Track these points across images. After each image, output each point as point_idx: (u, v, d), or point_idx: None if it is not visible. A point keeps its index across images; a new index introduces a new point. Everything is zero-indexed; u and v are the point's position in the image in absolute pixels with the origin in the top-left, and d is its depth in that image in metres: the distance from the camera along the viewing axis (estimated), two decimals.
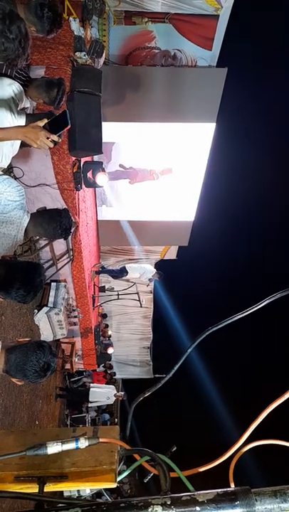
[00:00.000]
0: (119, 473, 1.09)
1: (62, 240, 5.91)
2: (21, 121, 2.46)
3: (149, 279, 9.60)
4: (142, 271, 9.46)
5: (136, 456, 1.11)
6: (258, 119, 12.72)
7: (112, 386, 11.06)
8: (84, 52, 5.01)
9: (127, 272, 9.43)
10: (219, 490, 0.87)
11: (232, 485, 0.98)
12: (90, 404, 10.33)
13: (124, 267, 9.56)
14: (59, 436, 1.09)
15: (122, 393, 11.10)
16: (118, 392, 11.03)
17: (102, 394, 10.29)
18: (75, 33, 5.01)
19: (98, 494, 1.09)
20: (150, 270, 9.53)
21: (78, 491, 1.10)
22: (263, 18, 9.21)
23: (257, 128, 13.20)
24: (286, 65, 11.00)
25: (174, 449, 1.10)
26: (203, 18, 6.68)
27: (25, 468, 1.04)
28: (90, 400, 10.07)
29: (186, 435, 15.59)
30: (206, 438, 13.97)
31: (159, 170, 9.21)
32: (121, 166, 9.01)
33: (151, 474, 1.07)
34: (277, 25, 9.82)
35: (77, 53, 4.95)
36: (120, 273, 9.60)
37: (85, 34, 5.29)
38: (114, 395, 10.46)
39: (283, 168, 13.80)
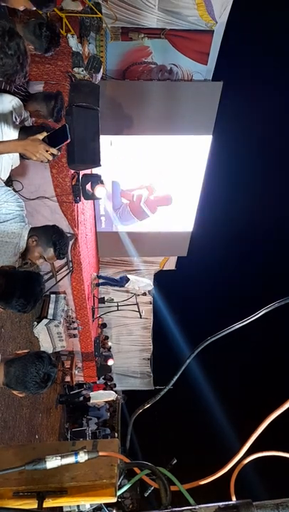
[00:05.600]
0: (120, 488, 1.07)
1: None
2: (14, 134, 2.49)
3: (148, 291, 9.75)
4: (142, 284, 9.60)
5: (136, 469, 1.10)
6: (253, 131, 12.89)
7: (112, 392, 11.09)
8: (82, 68, 5.10)
9: (127, 280, 9.55)
10: (220, 503, 0.86)
11: (233, 498, 0.97)
12: (91, 401, 10.30)
13: (126, 276, 9.71)
14: (58, 451, 1.07)
15: (122, 396, 11.17)
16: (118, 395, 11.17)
17: (103, 395, 10.37)
18: (73, 49, 5.11)
19: None
20: (149, 285, 9.70)
21: (78, 506, 1.08)
22: (258, 31, 9.41)
23: (253, 140, 13.36)
24: (281, 77, 11.20)
25: (175, 461, 1.08)
26: (199, 34, 6.83)
27: (24, 484, 1.03)
28: (91, 401, 10.14)
29: (187, 447, 15.36)
30: (206, 450, 13.76)
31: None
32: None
33: (152, 488, 1.05)
34: (271, 39, 10.02)
35: (75, 69, 5.04)
36: (120, 282, 9.72)
37: (83, 50, 5.39)
38: (115, 398, 10.56)
39: (280, 179, 13.92)
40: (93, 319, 9.36)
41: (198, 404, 16.55)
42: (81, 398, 10.53)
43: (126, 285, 9.70)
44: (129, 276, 9.83)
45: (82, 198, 6.07)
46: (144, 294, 9.74)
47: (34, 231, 2.36)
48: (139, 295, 10.13)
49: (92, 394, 10.47)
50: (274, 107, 11.76)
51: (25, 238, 2.30)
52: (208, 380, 15.97)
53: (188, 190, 9.37)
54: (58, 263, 6.71)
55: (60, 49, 4.84)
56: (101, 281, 10.45)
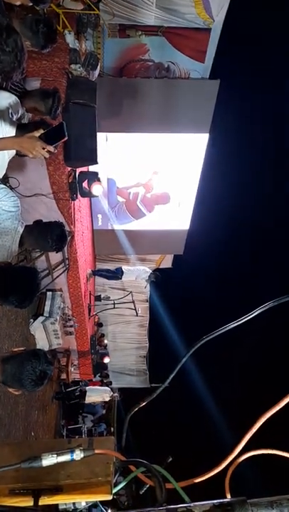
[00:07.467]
0: (115, 485, 1.08)
1: None
2: (11, 131, 2.48)
3: (146, 280, 9.67)
4: (137, 272, 9.53)
5: (132, 467, 1.11)
6: (250, 129, 12.90)
7: (108, 388, 11.12)
8: (79, 65, 5.07)
9: (122, 272, 9.48)
10: (215, 501, 0.87)
11: (228, 496, 0.98)
12: (87, 398, 10.36)
13: (121, 268, 9.65)
14: (54, 448, 1.08)
15: (117, 394, 11.24)
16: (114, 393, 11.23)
17: (98, 391, 10.39)
18: (71, 46, 5.08)
19: None
20: (145, 271, 9.61)
21: (74, 503, 1.09)
22: (255, 29, 9.38)
23: (249, 138, 13.37)
24: (278, 76, 11.20)
25: (170, 459, 1.09)
26: (196, 31, 6.81)
27: (20, 481, 1.03)
28: (86, 399, 10.17)
29: (182, 446, 15.41)
30: (202, 448, 13.83)
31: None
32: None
33: (147, 486, 1.06)
34: (269, 36, 10.01)
35: (72, 65, 5.01)
36: (116, 273, 9.65)
37: (80, 47, 5.36)
38: (111, 396, 10.58)
39: (276, 177, 13.96)
40: (89, 317, 9.36)
41: (193, 403, 16.60)
42: (77, 393, 10.57)
43: (123, 278, 9.66)
44: (124, 268, 9.75)
45: (78, 196, 6.06)
46: (148, 279, 9.55)
47: (28, 230, 2.37)
48: (144, 286, 10.02)
49: (88, 388, 10.54)
50: (271, 105, 11.78)
51: (18, 242, 2.30)
52: (204, 378, 16.03)
53: (185, 188, 9.37)
54: (55, 260, 6.70)
55: (57, 45, 4.79)
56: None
